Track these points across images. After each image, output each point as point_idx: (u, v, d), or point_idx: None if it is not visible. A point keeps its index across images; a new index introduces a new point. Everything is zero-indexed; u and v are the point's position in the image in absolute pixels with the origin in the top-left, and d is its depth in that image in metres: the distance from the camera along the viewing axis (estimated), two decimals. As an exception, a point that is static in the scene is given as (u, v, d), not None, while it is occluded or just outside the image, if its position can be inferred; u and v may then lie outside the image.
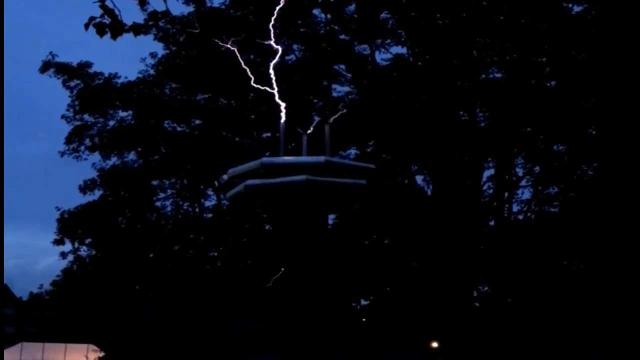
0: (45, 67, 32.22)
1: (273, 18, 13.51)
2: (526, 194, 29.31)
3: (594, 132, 28.17)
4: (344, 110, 14.20)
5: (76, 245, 33.04)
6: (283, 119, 13.72)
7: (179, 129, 33.27)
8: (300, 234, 13.60)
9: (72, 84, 32.61)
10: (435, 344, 28.23)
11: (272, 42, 14.03)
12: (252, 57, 31.81)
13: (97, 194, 33.06)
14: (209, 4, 31.67)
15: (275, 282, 13.80)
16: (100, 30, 6.77)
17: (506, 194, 29.13)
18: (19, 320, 47.27)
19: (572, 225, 26.59)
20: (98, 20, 6.76)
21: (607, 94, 25.85)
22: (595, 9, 27.51)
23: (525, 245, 26.87)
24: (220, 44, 13.76)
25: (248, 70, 13.73)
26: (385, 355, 28.24)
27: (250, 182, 13.37)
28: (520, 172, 29.65)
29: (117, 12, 6.82)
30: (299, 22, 30.91)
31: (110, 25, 6.75)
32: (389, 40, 30.41)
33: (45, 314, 38.18)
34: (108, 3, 6.67)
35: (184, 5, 31.29)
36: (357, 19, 30.31)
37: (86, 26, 6.80)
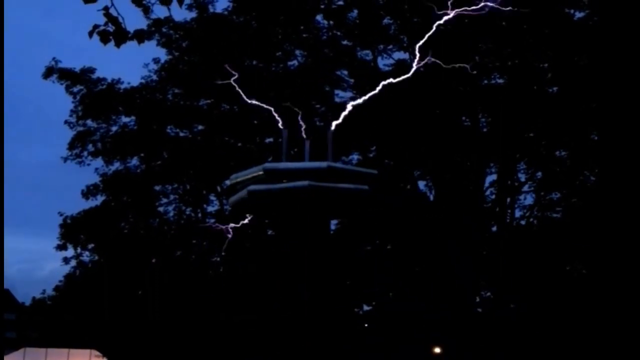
0: (49, 72, 32.36)
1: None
2: (528, 200, 29.34)
3: (596, 138, 28.17)
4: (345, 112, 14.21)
5: (79, 250, 33.11)
6: (285, 125, 13.78)
7: (181, 134, 33.35)
8: (302, 239, 13.63)
9: (75, 89, 32.74)
10: (437, 350, 28.20)
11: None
12: (254, 62, 31.98)
13: (100, 199, 33.15)
14: (211, 10, 31.78)
15: (278, 287, 13.86)
16: (104, 38, 6.82)
17: (508, 200, 29.11)
18: (22, 326, 47.26)
19: (575, 230, 26.56)
20: (102, 28, 6.80)
21: (609, 99, 25.86)
22: (596, 15, 27.53)
23: (527, 250, 26.85)
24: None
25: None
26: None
27: (252, 187, 13.41)
28: (522, 177, 29.67)
29: (120, 19, 6.87)
30: (302, 27, 31.00)
31: (114, 33, 6.80)
32: (391, 46, 30.47)
33: (48, 319, 38.20)
34: (112, 11, 6.72)
35: (186, 11, 31.39)
36: (360, 24, 30.35)
37: (90, 34, 6.85)
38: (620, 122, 25.50)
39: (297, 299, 13.47)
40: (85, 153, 33.09)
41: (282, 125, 13.82)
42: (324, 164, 13.26)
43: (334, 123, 14.02)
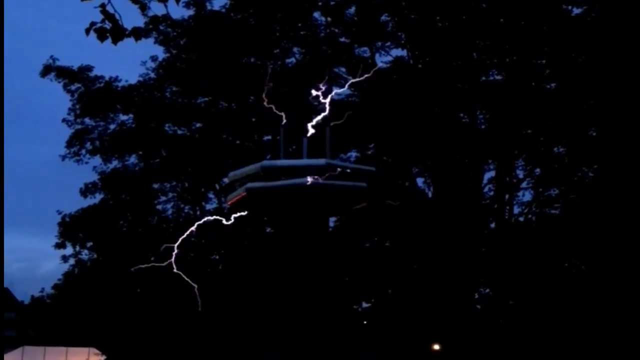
0: (46, 71, 32.29)
1: None
2: (527, 196, 29.35)
3: (594, 134, 28.18)
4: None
5: (77, 248, 33.06)
6: (284, 122, 13.78)
7: (179, 132, 33.31)
8: (301, 236, 13.63)
9: (72, 87, 32.68)
10: (437, 347, 28.22)
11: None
12: (252, 60, 31.96)
13: (98, 197, 33.10)
14: (209, 8, 31.74)
15: (278, 284, 13.84)
16: (101, 35, 6.79)
17: (507, 196, 29.12)
18: (21, 324, 47.21)
19: (573, 227, 26.58)
20: (99, 25, 6.77)
21: (607, 96, 25.87)
22: (594, 11, 27.53)
23: (526, 246, 26.87)
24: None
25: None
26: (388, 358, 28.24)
27: (251, 185, 13.41)
28: (520, 174, 29.68)
29: (117, 16, 6.83)
30: (299, 25, 30.98)
31: (111, 30, 6.77)
32: (389, 43, 30.45)
33: (46, 317, 38.16)
34: (109, 8, 6.69)
35: (184, 9, 31.36)
36: (357, 21, 30.33)
37: (87, 31, 6.81)
38: (618, 118, 25.51)
39: (295, 298, 13.47)
40: (84, 151, 33.04)
41: (280, 123, 13.82)
42: (322, 162, 13.25)
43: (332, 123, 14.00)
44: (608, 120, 26.15)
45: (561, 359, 24.77)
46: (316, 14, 31.24)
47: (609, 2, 26.64)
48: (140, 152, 33.26)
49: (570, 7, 28.54)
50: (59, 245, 32.68)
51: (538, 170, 29.28)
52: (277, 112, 13.65)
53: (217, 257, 33.88)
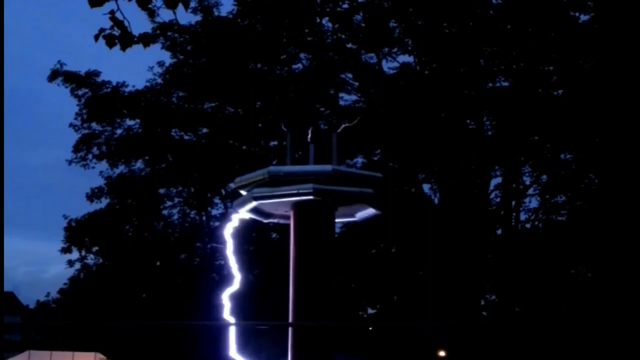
0: (54, 75, 32.43)
1: None
2: (533, 203, 29.31)
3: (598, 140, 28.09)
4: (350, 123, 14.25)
5: (83, 253, 33.16)
6: (290, 128, 13.78)
7: (186, 137, 33.39)
8: (307, 242, 13.61)
9: (80, 92, 32.81)
10: (442, 353, 28.15)
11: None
12: (259, 66, 32.02)
13: (104, 202, 33.22)
14: (216, 14, 31.83)
15: (283, 289, 13.82)
16: (110, 41, 6.81)
17: (513, 203, 29.09)
18: (26, 328, 47.34)
19: (580, 234, 26.51)
20: (108, 31, 6.79)
21: (612, 101, 25.78)
22: (602, 18, 27.47)
23: (532, 253, 26.80)
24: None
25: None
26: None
27: (257, 190, 13.41)
28: (527, 180, 29.64)
29: (126, 23, 6.85)
30: (306, 31, 31.02)
31: (119, 36, 6.79)
32: (396, 49, 30.46)
33: (52, 322, 38.24)
34: (117, 15, 6.71)
35: (191, 14, 31.46)
36: (364, 28, 30.34)
37: (96, 37, 6.84)
38: (623, 124, 25.42)
39: (300, 303, 13.45)
40: (90, 156, 33.18)
41: (287, 128, 13.82)
42: (328, 168, 13.24)
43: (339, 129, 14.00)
44: (612, 126, 26.05)
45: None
46: (323, 20, 31.30)
47: (615, 9, 26.58)
48: (147, 157, 33.37)
49: (577, 14, 28.51)
50: (65, 250, 32.79)
51: (545, 176, 29.24)
52: (283, 117, 13.67)
53: (222, 262, 33.90)
